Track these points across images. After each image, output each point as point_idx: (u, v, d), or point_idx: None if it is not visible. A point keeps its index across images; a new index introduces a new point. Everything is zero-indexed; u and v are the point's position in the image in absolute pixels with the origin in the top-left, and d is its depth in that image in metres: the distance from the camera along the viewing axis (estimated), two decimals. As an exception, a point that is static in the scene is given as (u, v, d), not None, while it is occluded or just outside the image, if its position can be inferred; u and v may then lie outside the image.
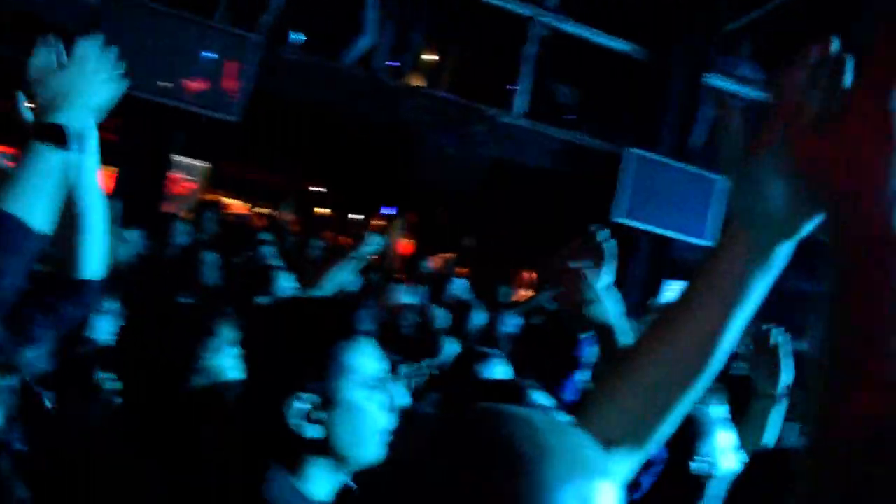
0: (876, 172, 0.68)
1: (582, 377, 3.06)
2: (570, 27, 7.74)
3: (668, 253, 8.00)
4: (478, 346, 3.53)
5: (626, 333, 1.74)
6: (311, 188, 12.42)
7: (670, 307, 1.04)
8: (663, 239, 7.83)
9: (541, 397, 2.19)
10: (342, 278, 3.06)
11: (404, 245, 11.25)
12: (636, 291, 7.91)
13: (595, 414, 1.03)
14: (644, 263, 7.94)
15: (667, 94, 8.01)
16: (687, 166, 7.75)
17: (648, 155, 7.59)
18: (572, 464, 0.69)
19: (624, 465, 1.02)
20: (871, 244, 0.66)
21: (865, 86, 0.71)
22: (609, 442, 0.96)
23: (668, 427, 1.04)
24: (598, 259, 1.79)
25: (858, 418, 0.58)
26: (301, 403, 1.21)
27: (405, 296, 4.56)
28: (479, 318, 4.54)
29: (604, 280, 1.77)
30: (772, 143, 0.87)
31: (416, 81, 8.80)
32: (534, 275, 8.55)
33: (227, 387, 1.58)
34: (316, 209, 12.87)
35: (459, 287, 5.96)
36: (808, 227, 0.93)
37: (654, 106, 8.04)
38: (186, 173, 9.08)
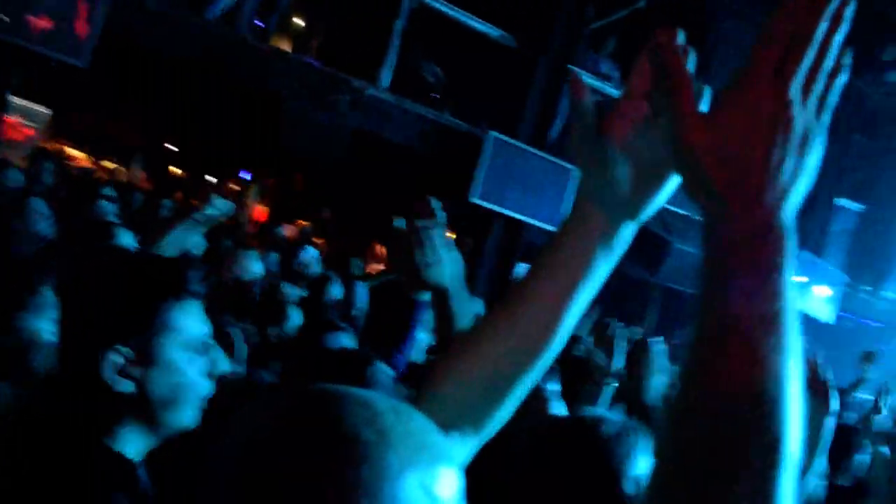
0: (760, 166, 0.70)
1: (421, 339, 3.12)
2: (442, 6, 7.77)
3: (522, 237, 8.25)
4: (328, 317, 3.52)
5: (462, 298, 1.76)
6: (165, 146, 11.86)
7: (516, 284, 1.04)
8: (517, 223, 8.06)
9: (382, 369, 2.21)
10: (185, 240, 2.95)
11: (259, 211, 10.98)
12: (487, 271, 8.14)
13: (435, 390, 1.01)
14: (496, 245, 8.16)
15: (532, 83, 8.21)
16: (545, 155, 7.99)
17: (508, 140, 7.77)
18: (415, 450, 0.66)
19: (463, 449, 1.00)
20: (751, 238, 0.69)
21: (750, 79, 0.72)
22: (448, 424, 0.92)
23: (507, 408, 1.02)
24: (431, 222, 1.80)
25: (719, 386, 0.66)
26: (117, 357, 1.17)
27: (255, 262, 4.45)
28: (335, 291, 4.51)
29: (440, 243, 1.78)
30: (623, 128, 0.91)
31: (283, 45, 8.56)
32: (385, 249, 8.59)
33: (35, 348, 1.49)
34: (170, 168, 12.32)
35: (310, 256, 5.90)
36: (651, 209, 0.96)
37: (518, 93, 8.22)
38: (25, 118, 8.42)
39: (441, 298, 1.75)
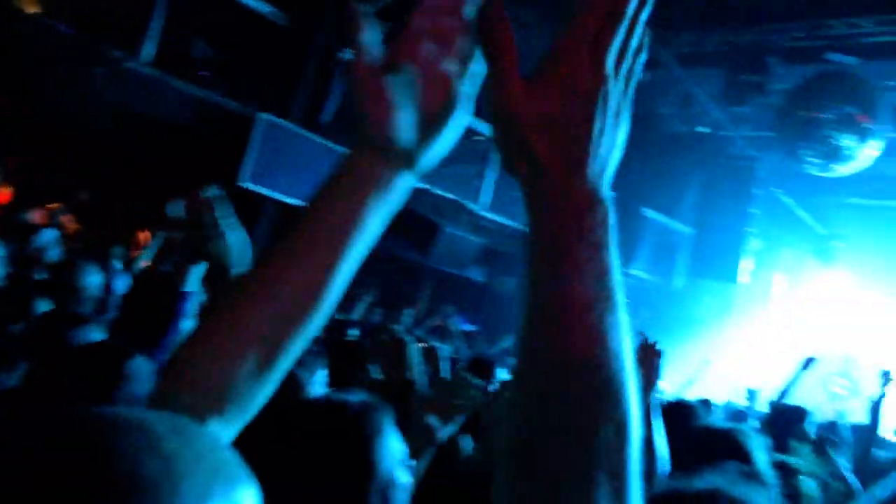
0: (583, 138, 0.70)
1: (186, 330, 3.00)
2: (210, -21, 7.44)
3: (295, 221, 8.16)
4: (73, 308, 3.27)
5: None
6: None
7: (279, 242, 0.92)
8: (290, 207, 7.96)
9: (141, 363, 2.10)
10: None
11: (2, 193, 9.90)
12: (258, 255, 7.94)
13: (191, 371, 0.88)
14: (268, 231, 8.01)
15: (303, 62, 8.10)
16: (318, 138, 7.94)
17: (280, 122, 7.62)
18: (210, 474, 0.57)
19: (227, 434, 0.88)
20: (578, 212, 0.69)
21: (569, 50, 0.71)
22: (208, 407, 0.84)
23: (272, 383, 0.90)
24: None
25: (559, 363, 0.65)
26: None
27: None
28: (93, 279, 4.19)
29: (224, 219, 1.74)
30: (398, 64, 0.86)
31: (31, 7, 7.76)
32: (149, 235, 8.12)
33: None
34: None
35: (47, 239, 5.38)
36: (430, 161, 0.92)
37: (289, 74, 8.08)
38: None
39: (219, 274, 1.71)
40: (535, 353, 0.67)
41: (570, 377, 0.64)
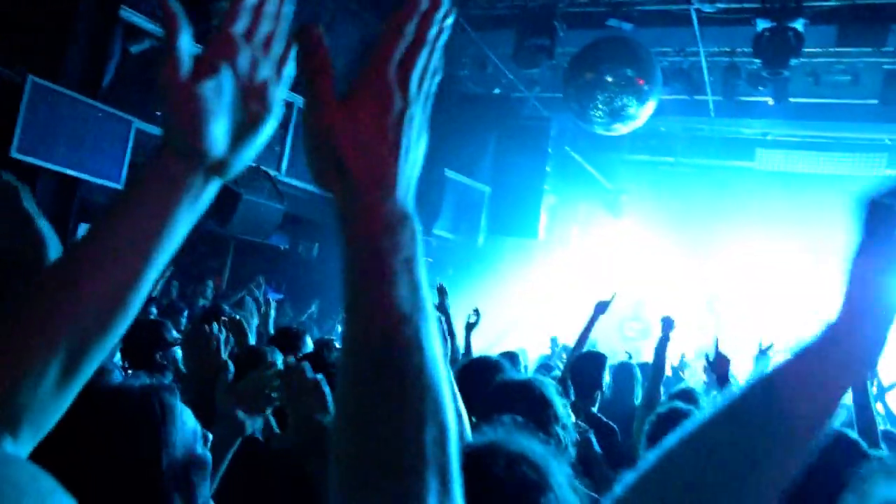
0: (393, 155, 0.74)
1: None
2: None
3: (77, 195, 7.49)
4: None
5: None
6: None
7: (79, 246, 0.88)
8: (70, 180, 7.29)
9: None
10: None
11: None
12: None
13: None
14: (47, 204, 7.29)
15: (76, 23, 7.39)
16: (97, 103, 7.31)
17: (52, 86, 6.92)
18: None
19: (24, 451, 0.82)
20: (391, 226, 0.73)
21: (378, 72, 0.75)
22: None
23: (70, 397, 0.85)
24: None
25: (376, 366, 0.71)
26: None
27: None
28: None
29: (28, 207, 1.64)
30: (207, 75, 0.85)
31: None
32: None
33: None
34: None
35: None
36: (240, 166, 0.92)
37: (63, 35, 7.34)
38: None
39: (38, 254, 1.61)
40: (360, 364, 0.72)
41: (395, 385, 0.69)
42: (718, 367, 4.77)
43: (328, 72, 0.77)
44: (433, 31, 0.78)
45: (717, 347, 4.84)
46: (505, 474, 1.12)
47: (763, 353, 5.04)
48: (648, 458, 0.85)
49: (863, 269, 0.83)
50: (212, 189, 0.91)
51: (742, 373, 4.76)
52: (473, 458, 1.14)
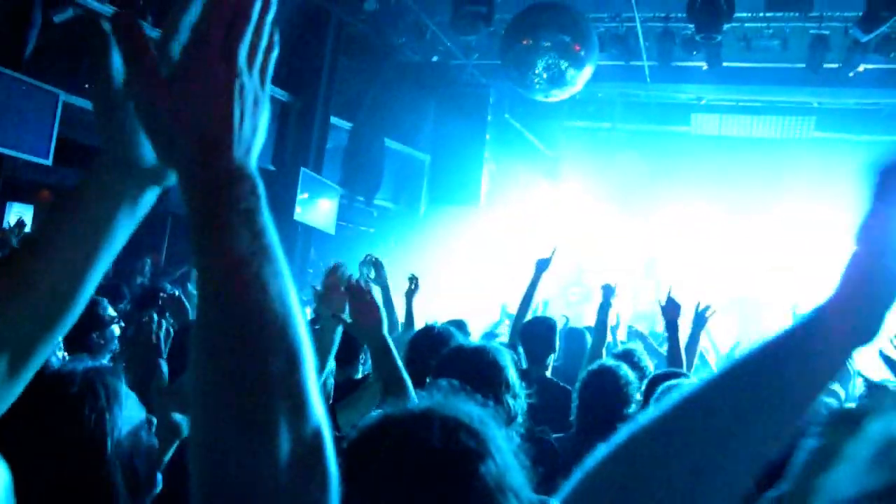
0: (225, 123, 0.79)
1: None
2: None
3: (1, 172, 7.21)
4: None
5: None
6: None
7: (25, 247, 0.94)
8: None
9: None
10: None
11: None
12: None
13: None
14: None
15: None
16: (23, 76, 7.01)
17: (-30, 59, 6.61)
18: None
19: None
20: (228, 184, 0.78)
21: (204, 48, 0.79)
22: None
23: (17, 390, 0.92)
24: None
25: (235, 317, 0.76)
26: None
27: None
28: None
29: None
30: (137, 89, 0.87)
31: None
32: None
33: None
34: None
35: None
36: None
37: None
38: None
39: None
40: (205, 306, 0.77)
41: (236, 320, 0.76)
42: (668, 313, 4.89)
43: (146, 53, 0.81)
44: (256, 8, 0.82)
45: (669, 294, 4.96)
46: (441, 442, 1.09)
47: (700, 314, 5.17)
48: (638, 420, 0.87)
49: (873, 233, 0.84)
50: (150, 196, 0.97)
51: (684, 328, 4.89)
52: (409, 426, 1.13)
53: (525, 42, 9.39)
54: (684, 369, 4.39)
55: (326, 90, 11.03)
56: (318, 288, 2.96)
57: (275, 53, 0.87)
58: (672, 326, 4.82)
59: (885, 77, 10.74)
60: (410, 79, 12.44)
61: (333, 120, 11.43)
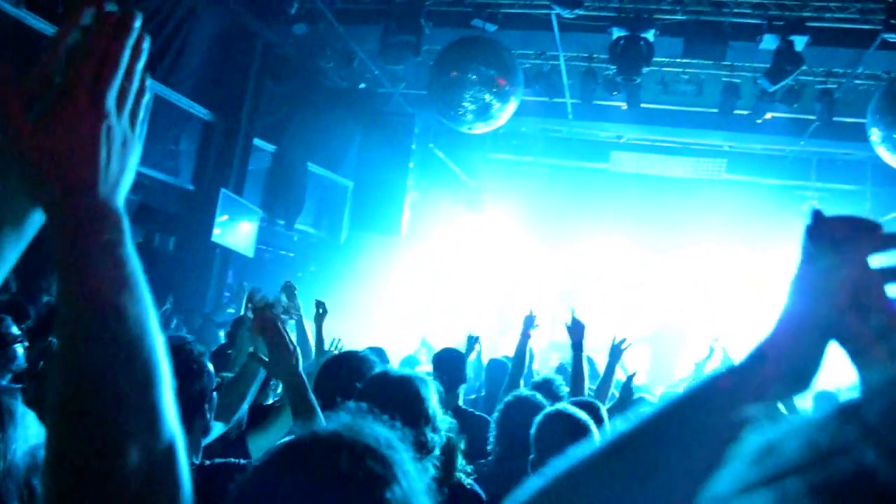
0: (91, 163, 0.83)
1: None
2: None
3: None
4: None
5: None
6: None
7: None
8: None
9: None
10: None
11: None
12: None
13: None
14: None
15: None
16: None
17: None
18: None
19: None
20: (92, 220, 0.83)
21: (72, 92, 0.84)
22: None
23: None
24: None
25: (95, 342, 0.80)
26: None
27: None
28: None
29: None
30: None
31: None
32: None
33: None
34: None
35: None
36: None
37: None
38: None
39: None
40: (65, 331, 0.81)
41: (92, 342, 0.80)
42: (574, 334, 4.99)
43: (15, 99, 0.85)
44: (126, 54, 0.88)
45: (573, 315, 5.05)
46: (348, 468, 1.07)
47: (616, 347, 5.28)
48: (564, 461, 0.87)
49: (807, 284, 0.86)
50: (38, 217, 0.97)
51: (599, 355, 5.02)
52: (315, 452, 1.12)
53: (453, 74, 9.51)
54: (597, 400, 4.47)
55: (251, 111, 10.88)
56: (249, 315, 2.95)
57: (146, 98, 0.93)
58: (577, 347, 4.92)
59: (790, 125, 11.34)
60: (337, 104, 12.40)
61: (257, 142, 11.26)
